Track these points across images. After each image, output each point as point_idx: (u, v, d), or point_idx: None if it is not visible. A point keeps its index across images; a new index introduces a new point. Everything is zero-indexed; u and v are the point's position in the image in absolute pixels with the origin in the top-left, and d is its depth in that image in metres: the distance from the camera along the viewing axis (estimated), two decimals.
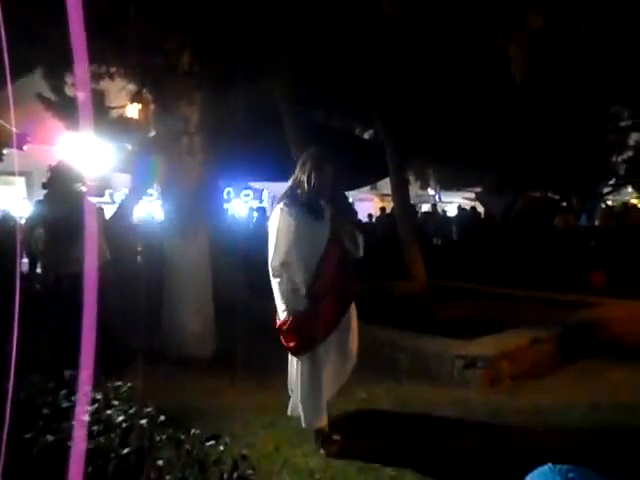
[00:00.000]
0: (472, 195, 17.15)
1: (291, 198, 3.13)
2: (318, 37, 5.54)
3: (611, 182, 16.67)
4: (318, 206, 3.13)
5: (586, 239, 11.19)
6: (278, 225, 3.07)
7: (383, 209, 14.31)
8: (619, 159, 15.59)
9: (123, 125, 6.26)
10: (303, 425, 3.21)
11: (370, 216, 14.58)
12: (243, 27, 4.19)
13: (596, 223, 14.24)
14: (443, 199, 20.80)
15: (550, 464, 2.48)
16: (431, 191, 20.12)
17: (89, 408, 1.75)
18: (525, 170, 11.71)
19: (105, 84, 5.26)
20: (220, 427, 2.94)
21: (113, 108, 6.24)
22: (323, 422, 3.19)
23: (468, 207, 14.46)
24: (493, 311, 6.32)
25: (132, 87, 5.33)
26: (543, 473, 2.35)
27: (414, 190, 20.73)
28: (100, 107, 5.74)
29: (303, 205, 3.09)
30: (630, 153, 14.92)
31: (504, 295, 7.27)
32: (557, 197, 15.29)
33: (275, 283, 3.12)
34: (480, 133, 9.55)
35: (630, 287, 7.72)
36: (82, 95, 1.20)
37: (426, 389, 4.28)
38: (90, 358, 1.28)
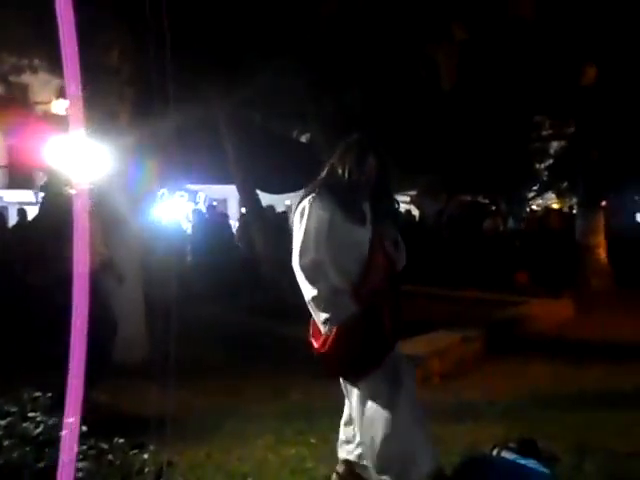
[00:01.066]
0: (408, 198, 17.59)
1: (325, 190, 2.56)
2: (255, 36, 5.52)
3: (535, 187, 17.57)
4: (357, 203, 2.60)
5: (512, 241, 11.75)
6: (307, 219, 2.50)
7: None
8: (542, 166, 16.49)
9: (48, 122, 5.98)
10: None
11: None
12: (175, 26, 4.11)
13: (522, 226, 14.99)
14: None
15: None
16: None
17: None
18: (456, 175, 12.17)
19: (28, 78, 5.00)
20: (147, 435, 2.86)
21: (37, 104, 5.95)
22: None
23: (404, 210, 14.82)
24: (426, 311, 6.52)
25: (58, 82, 5.09)
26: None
27: None
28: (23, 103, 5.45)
29: (339, 200, 2.54)
30: (551, 161, 15.81)
31: (437, 295, 7.52)
32: (486, 201, 15.99)
33: (308, 288, 2.45)
34: (414, 137, 9.82)
35: (551, 286, 8.22)
36: (71, 96, 1.12)
37: None
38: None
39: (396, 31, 4.71)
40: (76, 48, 1.15)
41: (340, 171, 2.58)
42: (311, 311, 2.50)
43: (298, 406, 3.97)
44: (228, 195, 16.86)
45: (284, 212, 11.94)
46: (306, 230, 2.49)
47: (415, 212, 15.62)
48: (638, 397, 4.13)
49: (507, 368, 4.93)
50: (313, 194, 2.55)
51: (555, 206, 18.92)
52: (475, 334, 5.29)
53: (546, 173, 16.61)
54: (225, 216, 12.21)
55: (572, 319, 6.77)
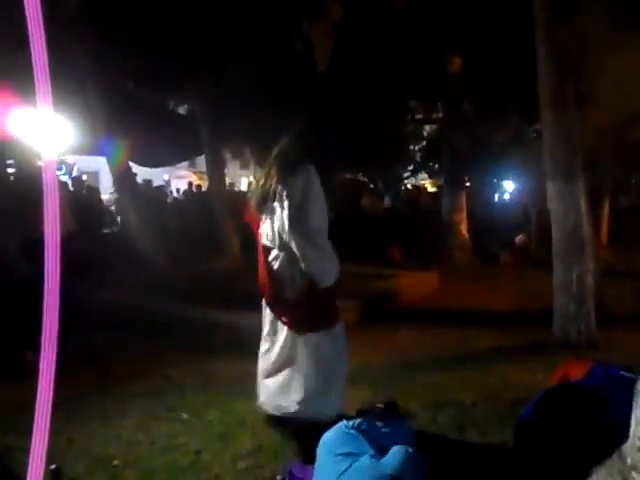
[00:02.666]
0: None
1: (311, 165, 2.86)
2: (127, 10, 5.16)
3: (410, 168, 18.62)
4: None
5: (387, 218, 12.39)
6: (313, 185, 2.79)
7: (199, 187, 14.04)
8: (416, 147, 17.50)
9: None
10: (321, 417, 2.86)
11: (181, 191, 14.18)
12: None
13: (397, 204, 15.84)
14: None
15: (344, 420, 2.74)
16: (249, 170, 20.35)
17: None
18: (337, 153, 12.49)
19: None
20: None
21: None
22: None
23: None
24: None
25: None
26: (339, 429, 2.60)
27: (234, 170, 20.77)
28: None
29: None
30: (424, 142, 16.82)
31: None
32: (365, 179, 16.63)
33: (316, 249, 2.85)
34: (294, 115, 9.88)
35: (421, 260, 8.83)
36: (38, 65, 0.96)
37: (238, 363, 4.39)
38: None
39: (271, 6, 4.66)
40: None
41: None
42: (314, 269, 2.84)
43: (170, 383, 3.91)
44: (101, 167, 15.80)
45: (161, 186, 11.48)
46: (316, 196, 2.77)
47: None
48: (486, 356, 4.65)
49: (379, 336, 5.23)
50: (308, 167, 2.80)
51: (428, 185, 20.25)
52: (350, 305, 5.52)
53: (419, 154, 17.70)
54: (94, 190, 11.44)
55: (437, 290, 7.34)
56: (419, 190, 15.51)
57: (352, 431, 2.47)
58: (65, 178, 12.60)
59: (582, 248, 4.67)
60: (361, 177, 16.62)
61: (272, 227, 2.90)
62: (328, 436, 2.48)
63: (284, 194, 2.81)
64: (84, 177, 13.35)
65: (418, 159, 17.88)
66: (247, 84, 6.11)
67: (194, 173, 19.14)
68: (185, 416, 3.31)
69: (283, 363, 3.04)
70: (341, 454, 2.33)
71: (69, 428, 3.09)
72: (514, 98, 7.15)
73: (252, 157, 15.06)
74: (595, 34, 3.74)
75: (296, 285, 2.91)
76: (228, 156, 13.57)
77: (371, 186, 16.03)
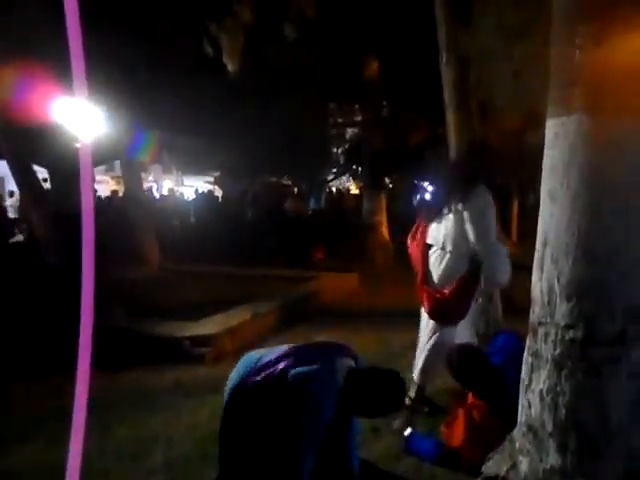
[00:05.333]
0: (212, 179, 17.54)
1: None
2: None
3: (334, 170, 18.84)
4: None
5: (312, 221, 12.50)
6: (490, 207, 3.34)
7: (115, 192, 13.49)
8: (339, 150, 17.74)
9: None
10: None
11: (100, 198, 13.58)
12: None
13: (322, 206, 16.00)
14: (185, 183, 20.73)
15: (252, 352, 2.66)
16: (172, 175, 19.85)
17: None
18: (259, 157, 12.43)
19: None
20: None
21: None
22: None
23: (207, 191, 14.71)
24: (224, 291, 6.59)
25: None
26: (247, 358, 2.55)
27: (155, 173, 20.15)
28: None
29: None
30: (347, 146, 17.09)
31: (236, 275, 7.63)
32: (289, 182, 16.67)
33: (496, 253, 3.40)
34: (214, 119, 9.74)
35: (344, 261, 8.96)
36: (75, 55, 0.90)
37: (154, 372, 4.27)
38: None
39: (178, 8, 4.54)
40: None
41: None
42: (493, 272, 3.43)
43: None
44: (7, 172, 14.76)
45: None
46: (489, 216, 3.34)
47: (218, 193, 15.60)
48: (404, 354, 4.75)
49: (297, 338, 5.18)
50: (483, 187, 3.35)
51: (352, 188, 20.59)
52: (267, 310, 5.50)
53: (343, 157, 17.97)
54: None
55: (357, 290, 7.47)
56: (342, 192, 15.74)
57: (253, 357, 2.42)
58: None
59: None
60: (285, 180, 16.65)
61: (440, 231, 3.46)
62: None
63: (464, 212, 3.39)
64: None
65: (341, 162, 18.14)
66: (153, 85, 5.92)
67: (112, 178, 18.36)
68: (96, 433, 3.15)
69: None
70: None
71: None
72: (428, 101, 7.41)
73: (171, 161, 14.69)
74: (490, 42, 3.94)
75: (444, 280, 3.44)
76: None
77: (295, 189, 16.09)
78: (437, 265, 3.49)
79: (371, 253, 9.76)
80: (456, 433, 2.92)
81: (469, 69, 4.51)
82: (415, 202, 15.27)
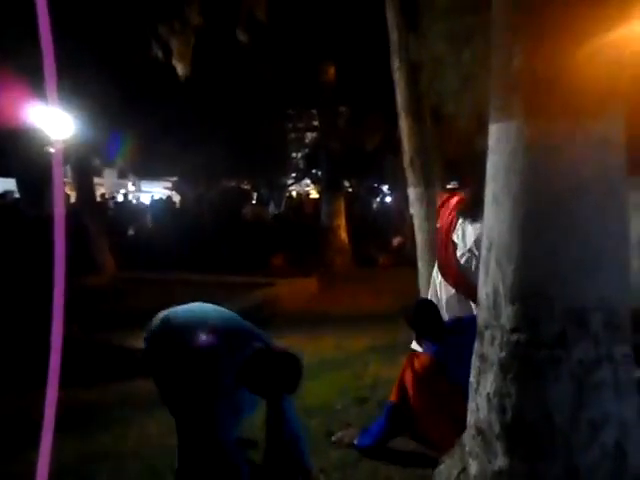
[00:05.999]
0: (169, 184, 17.27)
1: None
2: None
3: (293, 175, 18.83)
4: None
5: (271, 226, 12.41)
6: None
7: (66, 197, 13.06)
8: (299, 155, 17.75)
9: None
10: None
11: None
12: None
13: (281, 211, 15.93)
14: (143, 188, 20.31)
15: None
16: (130, 180, 19.42)
17: None
18: (216, 162, 12.30)
19: None
20: None
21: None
22: None
23: (164, 196, 14.44)
24: (180, 298, 6.42)
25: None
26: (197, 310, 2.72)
27: (110, 179, 19.64)
28: None
29: None
30: (307, 150, 17.11)
31: (192, 281, 7.49)
32: (248, 187, 16.54)
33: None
34: (169, 124, 9.60)
35: (304, 266, 8.93)
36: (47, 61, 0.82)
37: (104, 385, 4.18)
38: None
39: (126, 11, 4.43)
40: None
41: None
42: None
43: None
44: None
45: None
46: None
47: (176, 198, 15.34)
48: (360, 358, 4.78)
49: None
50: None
51: (312, 192, 20.60)
52: None
53: (303, 162, 17.97)
54: None
55: (316, 295, 7.45)
56: (301, 197, 15.74)
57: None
58: None
59: None
60: (245, 185, 16.52)
61: (463, 237, 3.63)
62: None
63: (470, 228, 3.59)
64: None
65: (301, 166, 18.15)
66: (104, 90, 5.76)
67: (65, 184, 17.76)
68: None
69: None
70: None
71: None
72: (384, 105, 7.50)
73: (127, 166, 14.36)
74: (440, 47, 3.99)
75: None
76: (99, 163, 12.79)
77: (254, 194, 15.98)
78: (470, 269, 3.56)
79: (330, 257, 9.78)
80: (401, 385, 3.06)
81: (420, 74, 4.57)
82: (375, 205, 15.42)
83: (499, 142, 2.10)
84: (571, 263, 1.95)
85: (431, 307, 3.38)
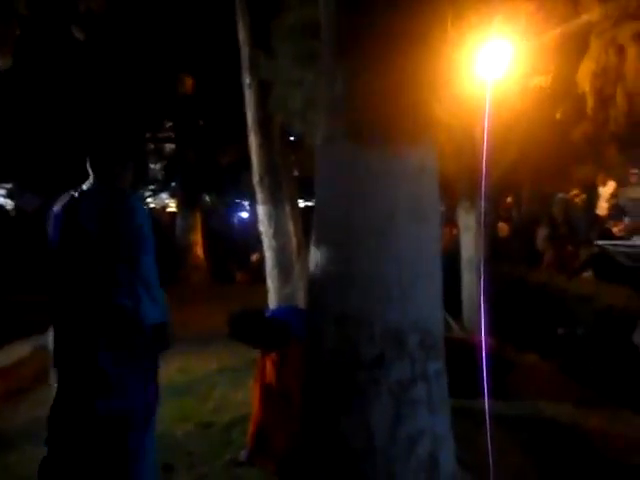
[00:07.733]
0: (4, 191, 15.45)
1: None
2: None
3: (151, 187, 17.95)
4: None
5: None
6: None
7: None
8: (158, 166, 16.98)
9: None
10: None
11: None
12: None
13: None
14: None
15: None
16: None
17: None
18: (63, 167, 11.30)
19: None
20: None
21: None
22: None
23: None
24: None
25: None
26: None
27: None
28: None
29: None
30: (166, 162, 16.44)
31: (23, 302, 6.69)
32: None
33: None
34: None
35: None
36: None
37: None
38: None
39: None
40: None
41: None
42: None
43: None
44: None
45: None
46: None
47: (10, 206, 13.80)
48: (207, 381, 4.61)
49: None
50: None
51: (171, 205, 19.78)
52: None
53: (162, 173, 17.20)
54: None
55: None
56: (164, 211, 15.04)
57: None
58: None
59: (290, 268, 4.99)
60: None
61: None
62: None
63: None
64: None
65: (160, 178, 17.38)
66: None
67: None
68: None
69: None
70: None
71: None
72: (238, 121, 7.47)
73: None
74: (287, 67, 4.04)
75: None
76: None
77: None
78: None
79: (185, 274, 9.41)
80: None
81: (270, 92, 4.58)
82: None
83: (322, 163, 2.13)
84: (387, 287, 2.01)
85: (250, 312, 3.28)
